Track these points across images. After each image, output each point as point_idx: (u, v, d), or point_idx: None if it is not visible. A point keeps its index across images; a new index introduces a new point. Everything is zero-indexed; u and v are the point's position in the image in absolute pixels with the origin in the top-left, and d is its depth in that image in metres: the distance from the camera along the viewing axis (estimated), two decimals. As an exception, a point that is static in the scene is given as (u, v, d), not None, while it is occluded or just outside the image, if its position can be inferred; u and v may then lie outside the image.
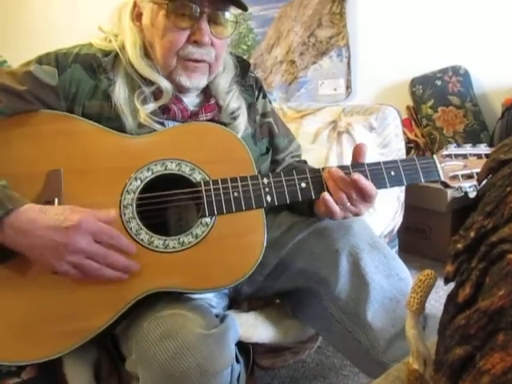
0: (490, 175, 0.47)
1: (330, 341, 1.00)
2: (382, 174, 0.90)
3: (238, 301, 1.07)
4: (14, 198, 0.77)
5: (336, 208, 0.87)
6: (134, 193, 0.85)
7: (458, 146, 0.95)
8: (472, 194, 0.91)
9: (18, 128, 0.86)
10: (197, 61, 0.91)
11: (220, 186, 0.87)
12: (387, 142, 1.58)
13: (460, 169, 0.93)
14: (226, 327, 0.82)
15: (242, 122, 1.00)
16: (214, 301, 0.94)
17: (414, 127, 2.20)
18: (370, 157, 0.95)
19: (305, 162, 1.18)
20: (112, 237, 0.79)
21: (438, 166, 0.93)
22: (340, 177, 0.87)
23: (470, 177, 0.93)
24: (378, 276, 0.91)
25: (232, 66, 1.03)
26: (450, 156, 0.94)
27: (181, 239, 0.84)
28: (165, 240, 0.84)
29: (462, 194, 0.92)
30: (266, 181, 0.89)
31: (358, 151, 0.91)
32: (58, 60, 0.91)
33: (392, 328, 0.88)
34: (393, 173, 0.90)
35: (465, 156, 0.95)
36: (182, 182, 0.87)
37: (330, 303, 0.93)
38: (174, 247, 0.84)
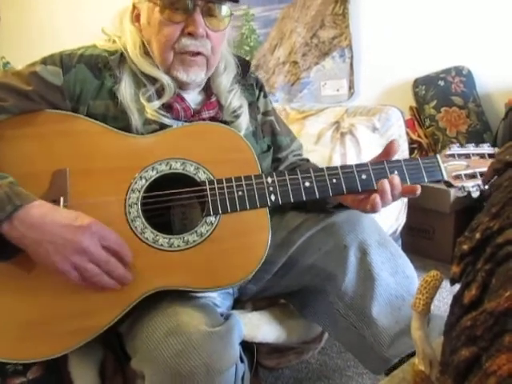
0: (496, 176, 0.47)
1: (335, 336, 1.00)
2: (385, 173, 0.90)
3: (241, 301, 1.07)
4: (23, 194, 0.77)
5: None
6: (139, 192, 0.85)
7: (461, 146, 0.96)
8: (475, 194, 0.92)
9: (24, 128, 0.86)
10: (193, 54, 0.92)
11: (224, 185, 0.87)
12: (390, 143, 1.58)
13: (463, 168, 0.94)
14: (231, 325, 0.83)
15: (244, 121, 1.01)
16: (218, 300, 0.95)
17: (417, 128, 2.20)
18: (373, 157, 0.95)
19: (307, 160, 1.18)
20: (117, 243, 0.79)
21: (441, 165, 0.93)
22: (398, 185, 0.88)
23: (473, 176, 0.93)
24: (384, 272, 0.91)
25: (234, 65, 1.05)
26: (453, 156, 0.94)
27: (185, 238, 0.84)
28: (169, 239, 0.84)
29: (465, 193, 0.92)
30: (270, 180, 0.89)
31: (389, 148, 0.92)
32: (63, 60, 0.91)
33: (396, 325, 0.88)
34: (396, 172, 0.90)
35: (468, 156, 0.95)
36: (187, 181, 0.88)
37: (336, 299, 0.94)
38: (178, 246, 0.84)
